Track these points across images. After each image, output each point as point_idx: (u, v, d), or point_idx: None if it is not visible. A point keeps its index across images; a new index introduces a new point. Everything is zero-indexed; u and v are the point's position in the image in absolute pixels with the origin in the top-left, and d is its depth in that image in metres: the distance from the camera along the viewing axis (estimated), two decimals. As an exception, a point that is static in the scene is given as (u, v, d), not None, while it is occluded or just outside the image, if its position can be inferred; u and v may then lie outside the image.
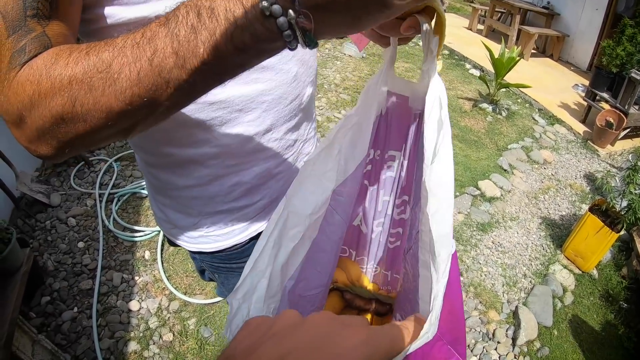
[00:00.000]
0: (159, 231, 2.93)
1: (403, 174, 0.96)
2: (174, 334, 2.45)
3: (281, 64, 0.87)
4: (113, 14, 0.66)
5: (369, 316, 1.23)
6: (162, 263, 2.80)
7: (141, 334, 2.41)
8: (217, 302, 2.64)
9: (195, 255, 1.14)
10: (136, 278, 2.70)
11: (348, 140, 0.81)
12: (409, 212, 0.99)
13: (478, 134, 5.01)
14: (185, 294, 2.65)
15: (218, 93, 0.80)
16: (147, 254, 2.85)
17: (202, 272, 1.32)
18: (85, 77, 0.48)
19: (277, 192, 1.05)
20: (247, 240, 1.08)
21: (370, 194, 1.02)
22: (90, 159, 3.44)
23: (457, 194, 4.02)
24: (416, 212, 0.83)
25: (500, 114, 5.48)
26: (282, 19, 0.41)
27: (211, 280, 1.33)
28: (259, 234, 1.06)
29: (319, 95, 4.92)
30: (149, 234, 2.96)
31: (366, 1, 0.41)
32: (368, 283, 1.21)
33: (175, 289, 2.66)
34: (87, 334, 2.35)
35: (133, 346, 2.35)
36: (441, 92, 0.71)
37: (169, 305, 2.59)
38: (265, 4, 0.40)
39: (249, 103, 0.86)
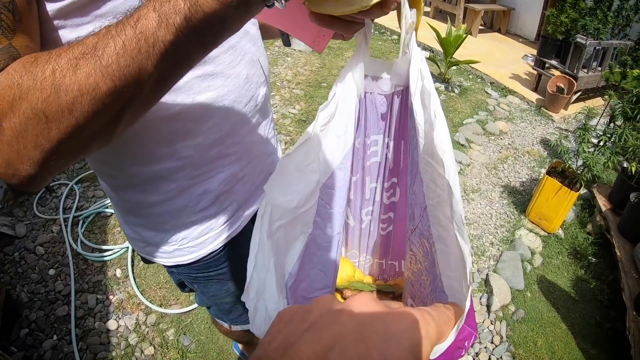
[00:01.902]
0: (128, 247, 2.93)
1: (390, 155, 0.94)
2: (154, 347, 2.44)
3: (230, 69, 0.88)
4: (63, 36, 0.66)
5: None
6: (135, 279, 2.79)
7: (123, 352, 2.40)
8: (193, 309, 2.64)
9: (173, 269, 1.14)
10: (111, 297, 2.68)
11: (331, 131, 0.78)
12: (399, 193, 0.98)
13: (433, 114, 5.00)
14: (160, 306, 2.64)
15: (172, 106, 0.80)
16: (118, 272, 2.83)
17: (180, 285, 1.32)
18: (70, 63, 0.47)
19: (245, 196, 1.06)
20: (222, 246, 1.10)
21: (355, 184, 1.00)
22: (50, 184, 3.39)
23: (416, 174, 4.00)
24: (415, 190, 0.82)
25: (453, 92, 5.56)
26: None
27: (191, 291, 1.33)
28: (232, 240, 1.10)
29: (273, 93, 4.94)
30: (117, 251, 2.94)
31: None
32: (363, 277, 1.20)
33: (150, 302, 2.65)
34: None
35: None
36: (422, 66, 0.70)
37: (146, 320, 2.58)
38: None
39: (205, 112, 0.86)
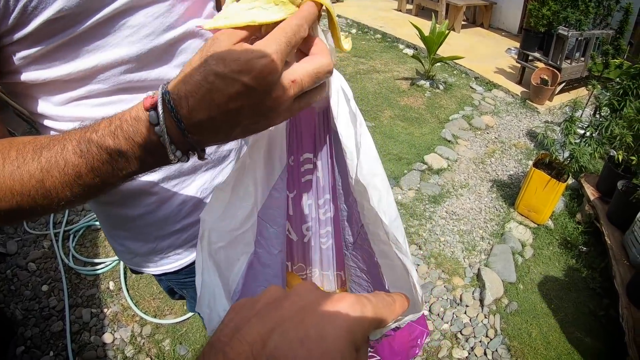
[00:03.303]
0: (119, 260, 2.87)
1: (319, 174, 0.97)
2: (151, 358, 2.44)
3: None
4: (30, 78, 0.69)
5: None
6: (128, 290, 2.79)
7: None
8: (188, 318, 2.65)
9: (161, 277, 1.15)
10: (105, 310, 2.67)
11: (263, 154, 0.80)
12: (333, 209, 1.01)
13: (419, 111, 5.09)
14: (155, 317, 2.64)
15: None
16: (111, 285, 2.82)
17: (170, 293, 1.33)
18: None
19: None
20: None
21: (293, 201, 1.03)
22: None
23: (405, 171, 4.09)
24: (350, 205, 0.87)
25: (438, 88, 5.58)
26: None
27: (181, 298, 1.34)
28: None
29: None
30: (110, 264, 2.93)
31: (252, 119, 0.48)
32: None
33: (145, 313, 2.65)
34: None
35: None
36: (342, 84, 0.72)
37: (141, 331, 2.57)
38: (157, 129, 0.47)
39: None
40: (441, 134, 4.65)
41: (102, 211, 1.00)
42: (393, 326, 0.79)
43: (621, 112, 2.98)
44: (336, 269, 1.17)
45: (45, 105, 0.73)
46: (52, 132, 0.77)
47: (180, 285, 1.21)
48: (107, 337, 2.52)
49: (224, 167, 1.06)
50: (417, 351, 1.09)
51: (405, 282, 0.73)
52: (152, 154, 0.49)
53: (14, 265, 2.90)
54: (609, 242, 3.07)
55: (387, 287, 0.80)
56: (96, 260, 2.95)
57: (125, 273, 2.88)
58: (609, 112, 3.06)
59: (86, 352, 2.43)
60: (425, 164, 4.18)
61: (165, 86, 0.47)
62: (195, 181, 0.99)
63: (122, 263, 2.89)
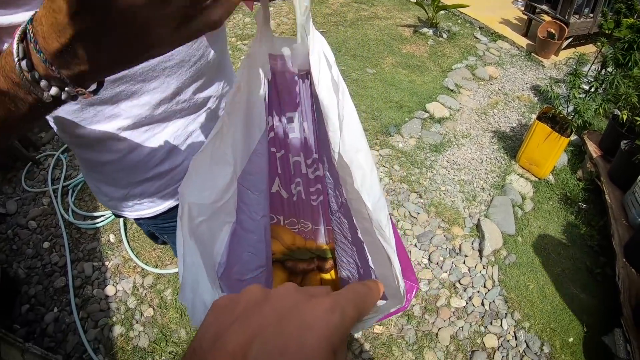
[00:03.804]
0: None
1: (305, 135, 0.95)
2: (153, 308, 2.48)
3: None
4: None
5: (315, 275, 1.30)
6: (129, 242, 2.80)
7: (123, 316, 2.45)
8: None
9: (140, 221, 1.17)
10: (106, 263, 2.70)
11: (241, 119, 0.78)
12: (322, 168, 0.99)
13: (421, 59, 4.95)
14: (156, 267, 2.67)
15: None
16: (112, 237, 2.83)
17: (152, 237, 1.35)
18: None
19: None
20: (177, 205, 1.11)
21: (281, 159, 1.02)
22: (37, 157, 3.34)
23: (407, 119, 4.02)
24: (333, 176, 0.86)
25: (442, 37, 5.40)
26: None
27: (164, 243, 1.36)
28: None
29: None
30: (109, 217, 2.94)
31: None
32: (304, 242, 1.24)
33: (146, 264, 2.68)
34: (72, 330, 2.37)
35: (118, 330, 2.38)
36: (324, 48, 0.69)
37: (143, 282, 2.61)
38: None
39: (150, 72, 0.85)
40: (443, 82, 4.54)
41: (75, 152, 0.99)
42: (373, 320, 0.81)
43: (626, 66, 2.90)
44: (326, 225, 1.18)
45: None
46: None
47: (159, 230, 1.22)
48: (110, 290, 2.55)
49: (200, 114, 1.04)
50: (406, 304, 1.10)
51: (388, 269, 0.72)
52: (30, 92, 0.43)
53: (15, 224, 2.90)
54: (609, 200, 3.06)
55: (370, 263, 0.79)
56: (96, 214, 2.95)
57: (125, 225, 2.89)
58: (614, 66, 2.98)
59: (89, 305, 2.47)
60: (427, 112, 4.11)
61: (35, 14, 0.40)
62: (167, 128, 0.97)
63: None
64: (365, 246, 0.78)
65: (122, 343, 2.33)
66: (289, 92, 0.88)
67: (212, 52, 0.97)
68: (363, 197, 0.67)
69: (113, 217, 2.92)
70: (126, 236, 2.81)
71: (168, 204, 1.09)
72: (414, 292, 1.11)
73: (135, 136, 0.93)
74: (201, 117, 1.03)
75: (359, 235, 0.79)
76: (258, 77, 0.77)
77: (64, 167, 3.24)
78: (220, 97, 1.08)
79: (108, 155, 0.94)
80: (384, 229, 0.68)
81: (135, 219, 1.15)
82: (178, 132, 0.99)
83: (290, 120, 0.94)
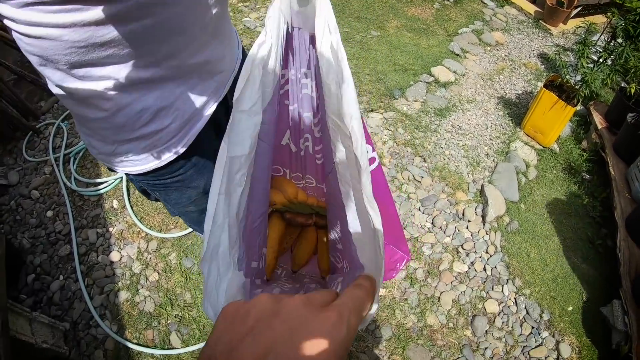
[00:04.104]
0: (122, 178, 2.93)
1: (314, 94, 0.99)
2: (158, 273, 2.50)
3: None
4: None
5: (312, 230, 1.31)
6: (132, 207, 2.80)
7: (128, 281, 2.46)
8: (193, 231, 2.67)
9: (131, 176, 1.18)
10: (110, 229, 2.70)
11: (264, 67, 0.80)
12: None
13: (426, 22, 4.85)
14: (160, 232, 2.67)
15: (107, 33, 0.80)
16: (115, 203, 2.83)
17: (144, 193, 1.37)
18: None
19: (187, 114, 1.06)
20: (165, 164, 1.12)
21: (293, 113, 1.05)
22: (37, 126, 3.30)
23: (411, 82, 3.96)
24: (327, 139, 0.87)
25: (448, 0, 5.23)
26: None
27: (157, 200, 1.37)
28: (180, 155, 1.12)
29: (257, 6, 4.68)
30: (112, 183, 2.92)
31: None
32: (306, 198, 1.26)
33: (150, 229, 2.68)
34: (78, 297, 2.38)
35: (124, 295, 2.40)
36: (328, 16, 0.72)
37: (147, 247, 2.62)
38: None
39: (141, 37, 0.85)
40: (449, 47, 4.46)
41: (67, 105, 1.00)
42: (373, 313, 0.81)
43: (637, 39, 2.84)
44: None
45: (4, 7, 0.73)
46: (13, 33, 0.79)
47: (150, 187, 1.24)
48: (114, 256, 2.56)
49: (190, 79, 1.03)
50: (394, 274, 1.15)
51: (370, 237, 0.69)
52: None
53: (17, 194, 2.89)
54: (612, 172, 3.05)
55: (349, 227, 0.78)
56: (98, 180, 2.94)
57: (128, 190, 2.88)
58: (624, 38, 2.92)
59: (95, 272, 2.48)
60: (432, 76, 4.04)
61: None
62: (155, 91, 0.97)
63: (124, 180, 2.90)
64: (346, 210, 0.79)
65: (128, 308, 2.34)
66: (305, 50, 0.92)
67: (209, 15, 0.96)
68: (360, 160, 0.67)
69: (116, 182, 2.92)
70: (129, 201, 2.81)
71: (154, 163, 1.09)
72: (404, 263, 1.14)
73: (123, 97, 0.93)
74: (192, 81, 1.03)
75: (341, 200, 0.80)
76: (279, 30, 0.81)
77: (65, 135, 3.21)
78: (215, 62, 1.08)
79: (97, 112, 0.95)
80: (370, 197, 0.68)
81: (126, 174, 1.17)
82: (166, 95, 0.99)
83: (305, 76, 0.97)
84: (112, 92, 0.91)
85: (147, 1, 0.79)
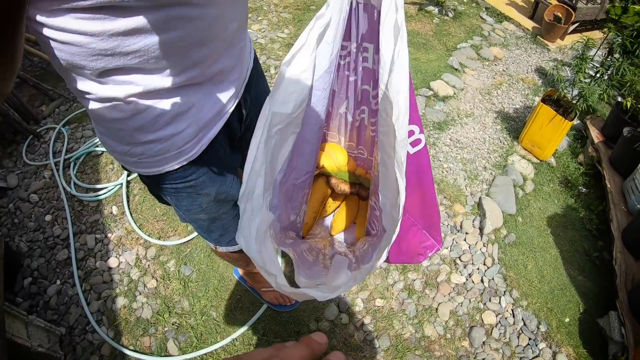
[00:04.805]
0: (121, 184, 2.93)
1: (375, 67, 1.01)
2: (157, 280, 2.50)
3: (198, 10, 0.87)
4: None
5: (354, 199, 1.34)
6: (131, 214, 2.80)
7: (126, 288, 2.46)
8: (192, 239, 2.69)
9: (144, 178, 1.19)
10: (109, 235, 2.70)
11: (323, 38, 0.86)
12: None
13: (426, 37, 4.90)
14: (159, 239, 2.68)
15: (133, 43, 0.81)
16: (114, 209, 2.83)
17: (157, 196, 1.36)
18: None
19: (203, 120, 1.07)
20: (177, 169, 1.13)
21: (352, 84, 1.09)
22: (37, 130, 3.31)
23: (411, 96, 3.88)
24: (375, 109, 0.96)
25: (447, 15, 5.34)
26: None
27: (167, 204, 1.37)
28: (192, 161, 1.13)
29: (260, 18, 4.73)
30: (112, 189, 2.93)
31: None
32: (355, 167, 1.30)
33: (149, 236, 2.68)
34: (75, 302, 2.38)
35: (121, 301, 2.40)
36: None
37: (146, 254, 2.61)
38: None
39: (163, 51, 0.87)
40: (448, 61, 4.50)
41: (83, 103, 1.00)
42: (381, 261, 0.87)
43: (633, 54, 2.88)
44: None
45: (35, 11, 0.74)
46: (40, 37, 0.80)
47: (162, 190, 1.24)
48: (113, 262, 2.56)
49: (206, 85, 1.04)
50: (421, 259, 1.16)
51: (394, 199, 0.79)
52: None
53: (16, 198, 2.89)
54: (609, 186, 3.08)
55: (379, 190, 0.87)
56: (98, 186, 2.94)
57: (128, 197, 2.88)
58: (621, 53, 2.96)
59: (92, 277, 2.47)
60: (431, 90, 4.07)
61: None
62: (174, 97, 0.98)
63: (124, 187, 2.90)
64: (380, 177, 0.85)
65: (125, 314, 2.34)
66: (368, 23, 0.95)
67: (230, 28, 0.99)
68: (396, 131, 0.73)
69: (116, 189, 2.92)
70: (129, 208, 2.81)
71: (167, 167, 1.10)
72: (434, 250, 1.15)
73: (143, 102, 0.94)
74: (208, 88, 1.04)
75: (377, 163, 0.86)
76: (342, 3, 0.85)
77: (65, 140, 3.21)
78: (230, 70, 1.09)
79: (113, 113, 0.95)
80: (402, 164, 0.74)
81: (139, 176, 1.18)
82: (184, 101, 1.00)
83: (365, 50, 1.00)
84: (132, 98, 0.92)
85: (175, 15, 0.81)
